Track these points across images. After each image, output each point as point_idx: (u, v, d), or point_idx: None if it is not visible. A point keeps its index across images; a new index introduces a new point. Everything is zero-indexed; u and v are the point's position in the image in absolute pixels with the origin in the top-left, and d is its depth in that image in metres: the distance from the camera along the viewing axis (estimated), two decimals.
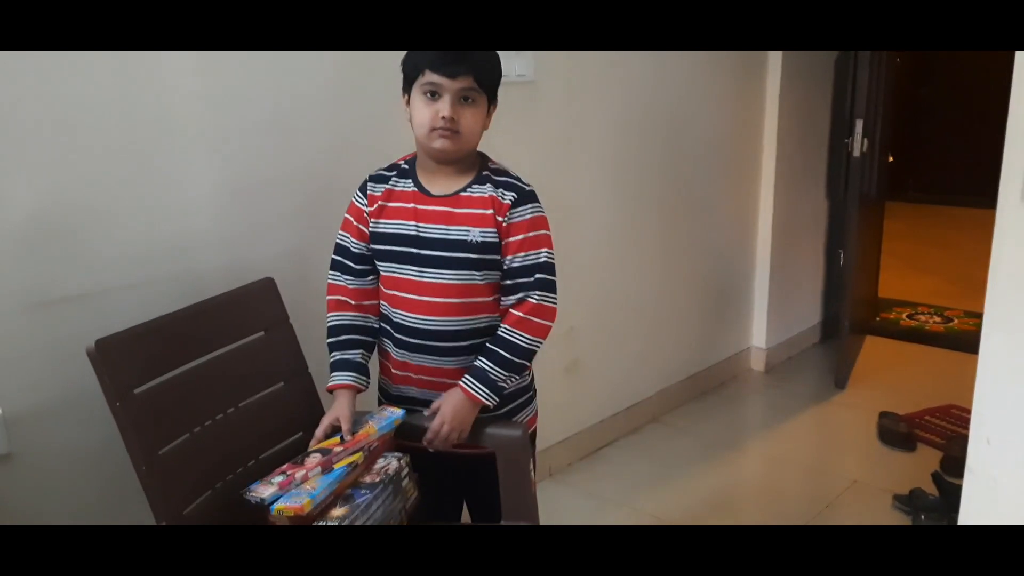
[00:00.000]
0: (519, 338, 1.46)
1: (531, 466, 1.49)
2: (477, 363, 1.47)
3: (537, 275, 1.46)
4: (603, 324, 2.73)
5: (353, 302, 1.55)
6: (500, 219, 1.44)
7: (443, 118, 1.38)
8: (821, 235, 3.72)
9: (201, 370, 1.45)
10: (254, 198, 1.75)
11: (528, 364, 1.53)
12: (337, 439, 1.43)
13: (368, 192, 1.52)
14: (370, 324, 1.57)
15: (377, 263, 1.53)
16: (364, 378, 1.54)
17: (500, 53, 1.46)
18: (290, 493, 1.30)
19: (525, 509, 1.46)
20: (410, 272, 1.48)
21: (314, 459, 1.37)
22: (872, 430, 2.90)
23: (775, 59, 3.19)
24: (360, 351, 1.55)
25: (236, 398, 1.50)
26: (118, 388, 1.27)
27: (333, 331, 1.56)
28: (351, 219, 1.54)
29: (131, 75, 1.52)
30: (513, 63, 2.20)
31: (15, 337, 1.44)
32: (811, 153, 3.52)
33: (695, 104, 2.93)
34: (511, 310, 1.48)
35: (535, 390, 1.67)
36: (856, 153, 3.06)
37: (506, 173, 1.50)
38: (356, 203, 1.53)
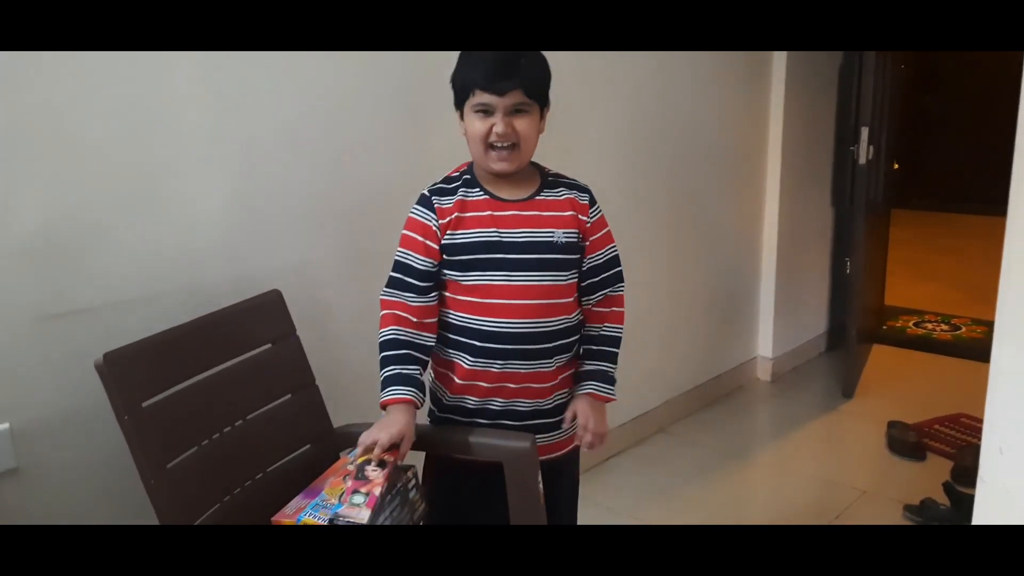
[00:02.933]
0: (619, 332, 1.58)
1: (539, 478, 1.47)
2: (597, 367, 1.55)
3: (616, 268, 1.58)
4: None
5: (415, 319, 1.48)
6: (584, 219, 1.51)
7: (497, 134, 1.40)
8: (827, 243, 3.71)
9: (208, 383, 1.45)
10: (261, 210, 1.75)
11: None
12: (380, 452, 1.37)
13: (436, 206, 1.46)
14: (427, 343, 1.50)
15: (451, 273, 1.48)
16: (423, 395, 1.48)
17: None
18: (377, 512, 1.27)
19: (534, 522, 1.45)
20: (497, 278, 1.46)
21: (377, 472, 1.32)
22: (881, 440, 2.88)
23: (779, 67, 3.19)
24: (418, 367, 1.48)
25: (243, 411, 1.50)
26: (126, 402, 1.27)
27: (389, 344, 1.47)
28: (415, 236, 1.47)
29: (138, 88, 1.53)
30: None
31: (23, 350, 1.44)
32: (816, 161, 3.52)
33: (700, 113, 2.93)
34: (607, 308, 1.57)
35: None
36: (862, 161, 3.05)
37: (566, 176, 1.56)
38: (421, 219, 1.47)
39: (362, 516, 1.25)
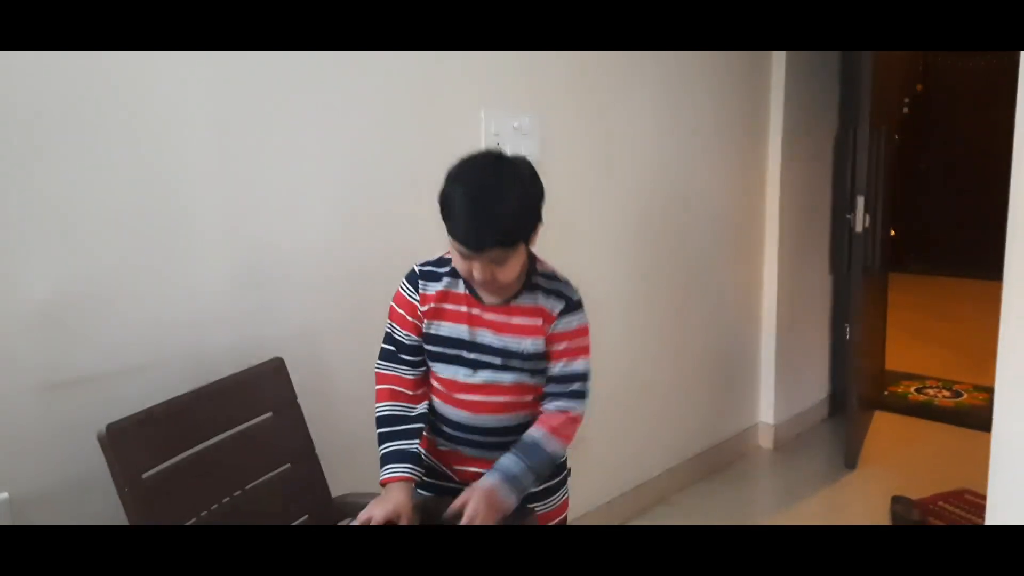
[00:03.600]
0: (555, 446, 1.48)
1: None
2: (511, 466, 1.43)
3: (575, 384, 1.50)
4: (609, 401, 2.71)
5: (409, 392, 1.53)
6: (547, 326, 1.47)
7: (477, 280, 1.38)
8: (826, 309, 3.73)
9: (209, 453, 1.45)
10: (266, 278, 1.76)
11: (547, 474, 1.53)
12: None
13: (421, 290, 1.49)
14: (423, 413, 1.54)
15: (430, 361, 1.53)
16: (421, 470, 1.50)
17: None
18: None
19: None
20: (462, 373, 1.49)
21: None
22: (884, 515, 2.83)
23: (775, 136, 3.26)
24: (415, 441, 1.51)
25: (243, 481, 1.49)
26: (127, 473, 1.26)
27: (387, 421, 1.51)
28: (404, 314, 1.51)
29: (144, 157, 1.56)
30: (520, 145, 2.25)
31: (25, 419, 1.43)
32: (814, 229, 3.56)
33: (697, 183, 2.97)
34: (551, 416, 1.49)
35: (569, 470, 1.66)
36: (858, 229, 3.09)
37: (555, 278, 1.51)
38: (408, 297, 1.50)
39: None
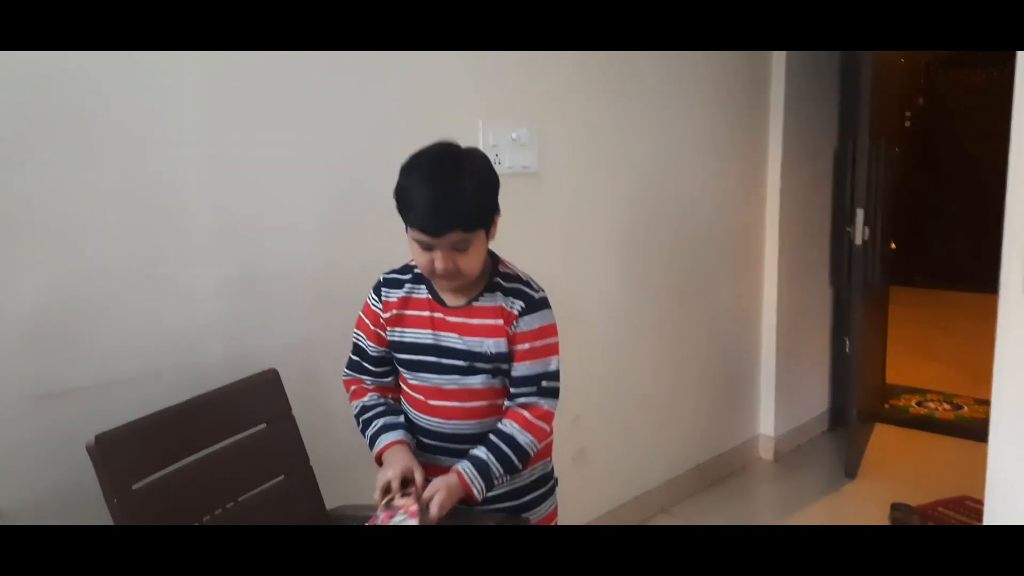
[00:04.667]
0: (525, 439, 1.46)
1: None
2: (479, 454, 1.44)
3: (543, 383, 1.48)
4: (610, 413, 2.71)
5: (377, 395, 1.57)
6: (507, 327, 1.46)
7: (438, 270, 1.37)
8: (826, 322, 3.72)
9: (201, 464, 1.44)
10: (261, 289, 1.77)
11: (520, 467, 1.50)
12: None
13: (383, 298, 1.52)
14: (399, 408, 1.57)
15: (401, 370, 1.54)
16: (412, 438, 1.51)
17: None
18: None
19: None
20: (431, 379, 1.49)
21: (406, 499, 1.37)
22: (884, 522, 2.83)
23: (775, 149, 3.26)
24: (400, 417, 1.53)
25: (235, 492, 1.48)
26: (116, 484, 1.26)
27: (365, 409, 1.54)
28: (368, 322, 1.54)
29: (138, 167, 1.56)
30: (518, 156, 2.26)
31: (16, 429, 1.43)
32: (814, 242, 3.56)
33: (697, 194, 2.97)
34: (519, 410, 1.47)
35: (556, 480, 1.65)
36: (858, 242, 3.08)
37: (516, 278, 1.50)
38: (372, 306, 1.53)
39: (410, 523, 1.30)
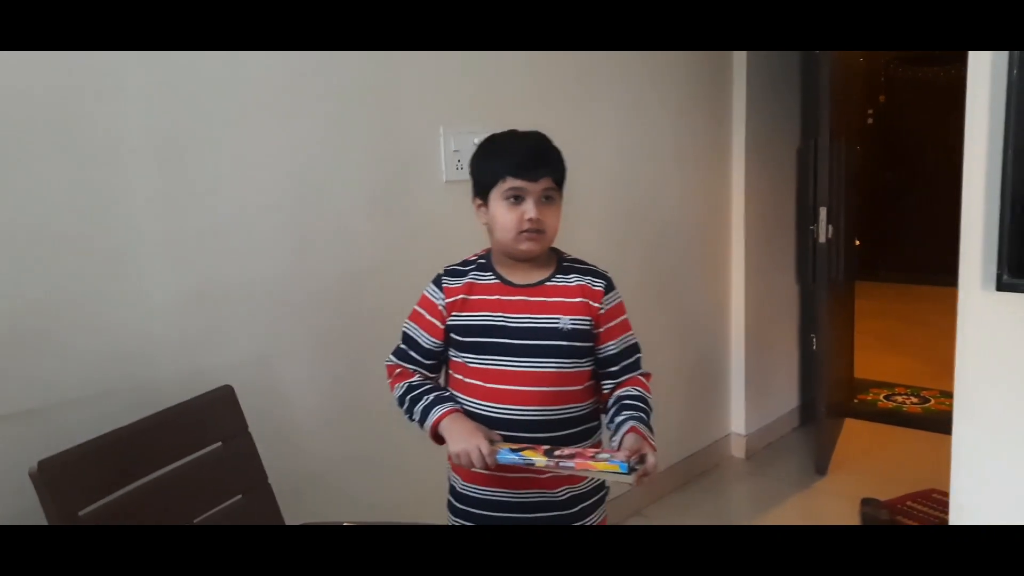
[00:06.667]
0: (648, 396, 1.51)
1: None
2: (639, 414, 1.45)
3: (637, 355, 1.54)
4: None
5: (423, 378, 1.52)
6: (596, 306, 1.48)
7: (530, 220, 1.40)
8: (794, 319, 3.74)
9: (154, 486, 1.41)
10: (216, 303, 1.72)
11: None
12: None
13: (444, 285, 1.49)
14: (447, 389, 1.53)
15: (460, 355, 1.49)
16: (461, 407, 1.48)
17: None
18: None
19: None
20: (499, 362, 1.45)
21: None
22: (855, 518, 2.85)
23: (739, 149, 3.27)
24: (447, 391, 1.50)
25: (191, 514, 1.45)
26: (62, 511, 1.22)
27: (413, 387, 1.49)
28: (423, 312, 1.51)
29: (88, 177, 1.51)
30: None
31: None
32: (780, 239, 3.58)
33: (663, 195, 2.97)
34: (638, 376, 1.53)
35: (608, 489, 1.63)
36: (822, 239, 3.10)
37: (584, 262, 1.55)
38: (430, 297, 1.50)
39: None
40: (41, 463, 1.22)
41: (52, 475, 1.22)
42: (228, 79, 1.70)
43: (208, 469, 1.50)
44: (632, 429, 1.41)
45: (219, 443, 1.53)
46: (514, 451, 1.34)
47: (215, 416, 1.54)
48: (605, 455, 1.32)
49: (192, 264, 1.68)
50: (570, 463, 1.30)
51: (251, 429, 1.59)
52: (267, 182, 1.80)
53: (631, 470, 1.27)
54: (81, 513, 1.25)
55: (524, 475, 1.43)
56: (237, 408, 1.57)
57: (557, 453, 1.32)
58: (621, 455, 1.31)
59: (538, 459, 1.32)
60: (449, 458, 1.48)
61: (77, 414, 1.49)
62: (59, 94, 1.47)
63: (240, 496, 1.53)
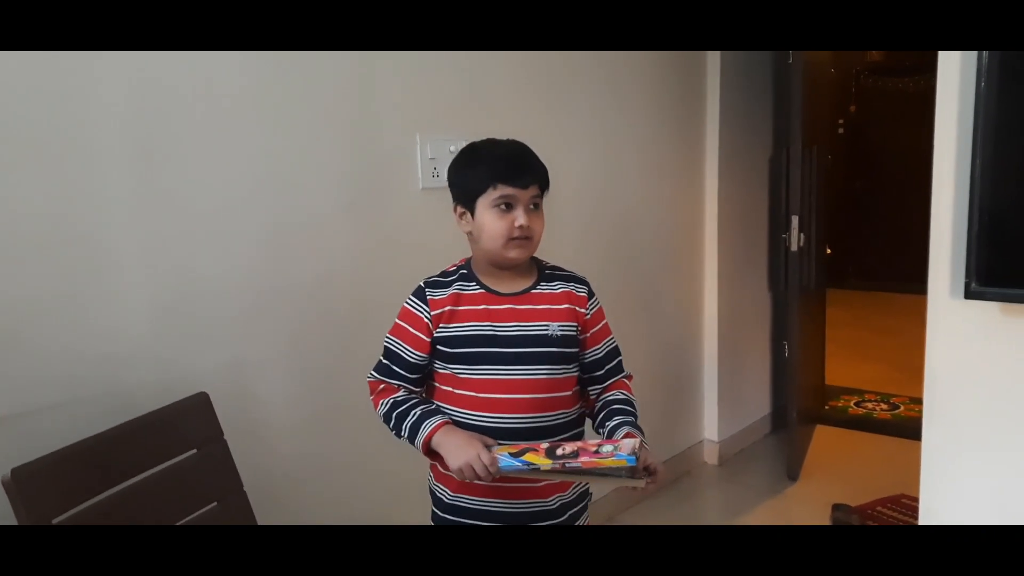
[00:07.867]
0: (633, 398, 1.55)
1: None
2: (628, 419, 1.48)
3: (618, 358, 1.59)
4: None
5: (408, 392, 1.49)
6: (582, 311, 1.50)
7: (520, 227, 1.41)
8: (766, 327, 3.78)
9: (127, 494, 1.39)
10: (191, 308, 1.71)
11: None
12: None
13: (429, 298, 1.46)
14: (433, 402, 1.50)
15: (448, 366, 1.47)
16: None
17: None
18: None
19: None
20: (491, 372, 1.44)
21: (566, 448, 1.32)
22: (826, 523, 2.88)
23: (712, 157, 3.30)
24: (434, 405, 1.47)
25: (165, 522, 1.43)
26: (34, 520, 1.20)
27: (398, 403, 1.45)
28: (407, 326, 1.47)
29: (54, 180, 1.49)
30: None
31: None
32: (752, 247, 3.62)
33: (636, 203, 3.00)
34: (622, 379, 1.57)
35: (591, 495, 1.63)
36: (793, 248, 3.14)
37: (563, 268, 1.57)
38: (413, 310, 1.47)
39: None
40: (14, 471, 1.20)
41: (25, 483, 1.20)
42: (203, 82, 1.69)
43: (183, 476, 1.48)
44: (629, 435, 1.42)
45: (194, 450, 1.52)
46: (514, 455, 1.32)
47: (190, 423, 1.53)
48: (608, 447, 1.30)
49: (166, 268, 1.66)
50: (576, 463, 1.28)
51: (226, 433, 1.58)
52: (242, 187, 1.78)
53: (634, 473, 1.28)
54: (55, 521, 1.23)
55: (522, 484, 1.43)
56: (212, 415, 1.56)
57: (559, 452, 1.30)
58: (625, 447, 1.29)
59: (542, 463, 1.29)
60: (433, 467, 1.47)
61: (50, 420, 1.47)
62: (31, 95, 1.45)
63: (215, 504, 1.52)
